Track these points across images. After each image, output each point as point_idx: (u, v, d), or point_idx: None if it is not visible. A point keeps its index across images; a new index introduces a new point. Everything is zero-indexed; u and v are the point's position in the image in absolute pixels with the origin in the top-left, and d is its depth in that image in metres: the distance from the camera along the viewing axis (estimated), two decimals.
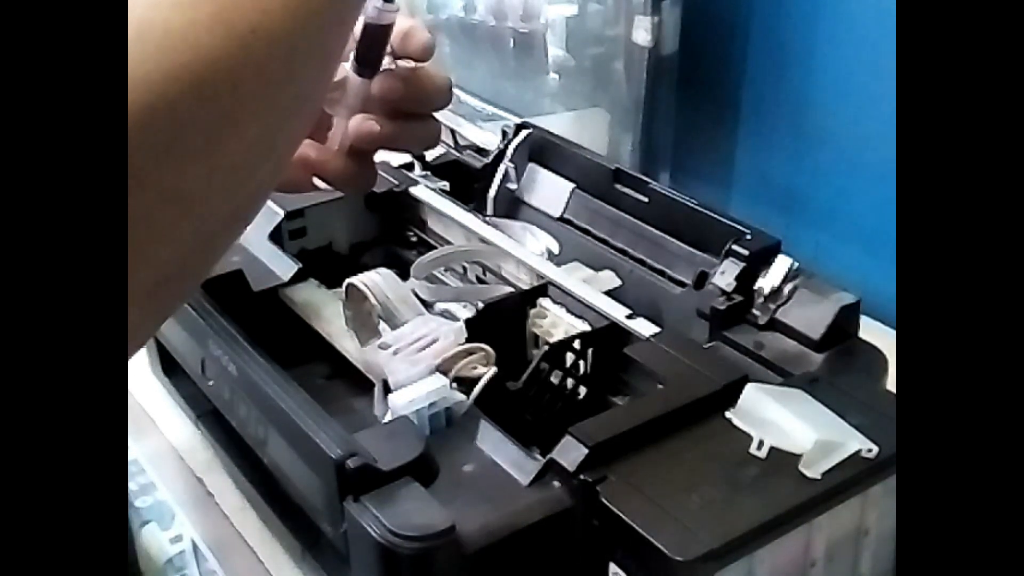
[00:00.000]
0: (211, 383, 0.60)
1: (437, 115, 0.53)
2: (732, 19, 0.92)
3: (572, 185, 0.72)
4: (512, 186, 0.75)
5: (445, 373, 0.52)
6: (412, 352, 0.54)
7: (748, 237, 0.59)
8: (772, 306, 0.57)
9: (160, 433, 0.70)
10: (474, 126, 0.85)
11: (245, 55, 0.29)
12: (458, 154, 0.79)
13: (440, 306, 0.63)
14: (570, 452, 0.46)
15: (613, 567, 0.44)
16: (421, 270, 0.64)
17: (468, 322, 0.56)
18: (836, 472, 0.45)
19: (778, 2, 0.88)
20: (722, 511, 0.43)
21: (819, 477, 0.45)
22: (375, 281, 0.60)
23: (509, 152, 0.75)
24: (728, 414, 0.49)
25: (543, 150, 0.75)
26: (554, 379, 0.57)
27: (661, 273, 0.65)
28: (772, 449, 0.46)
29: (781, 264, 0.58)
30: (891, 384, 0.56)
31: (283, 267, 0.65)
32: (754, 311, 0.58)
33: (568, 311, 0.59)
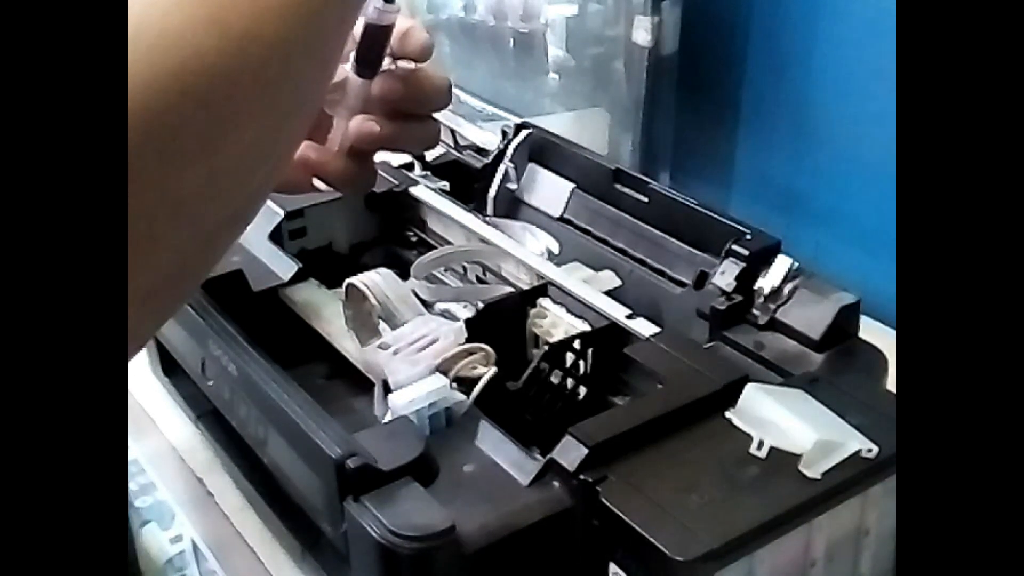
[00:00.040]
0: (211, 383, 0.60)
1: (437, 115, 0.53)
2: (732, 19, 0.92)
3: (572, 185, 0.72)
4: (512, 186, 0.75)
5: (445, 373, 0.52)
6: (412, 352, 0.54)
7: (748, 237, 0.59)
8: (772, 306, 0.57)
9: (160, 433, 0.70)
10: (474, 126, 0.85)
11: (242, 57, 0.29)
12: (458, 154, 0.79)
13: (440, 306, 0.63)
14: (570, 452, 0.46)
15: (613, 567, 0.44)
16: (421, 270, 0.64)
17: (468, 322, 0.56)
18: (836, 472, 0.45)
19: (778, 2, 0.88)
20: (722, 511, 0.43)
21: (819, 477, 0.45)
22: (375, 281, 0.60)
23: (509, 152, 0.75)
24: (728, 414, 0.49)
25: (543, 150, 0.75)
26: (554, 379, 0.57)
27: (661, 273, 0.65)
28: (772, 449, 0.46)
29: (781, 264, 0.58)
30: (891, 384, 0.56)
31: (283, 267, 0.65)
32: (754, 311, 0.58)
33: (568, 311, 0.59)
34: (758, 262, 0.58)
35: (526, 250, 0.66)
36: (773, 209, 0.91)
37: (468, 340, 0.55)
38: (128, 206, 0.26)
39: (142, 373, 0.72)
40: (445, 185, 0.75)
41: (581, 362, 0.58)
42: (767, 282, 0.57)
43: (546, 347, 0.57)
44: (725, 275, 0.59)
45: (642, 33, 0.89)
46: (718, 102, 0.95)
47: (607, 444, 0.46)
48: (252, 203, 0.34)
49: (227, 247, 0.34)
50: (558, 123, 0.94)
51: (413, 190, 0.73)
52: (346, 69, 0.49)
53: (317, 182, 0.50)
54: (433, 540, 0.42)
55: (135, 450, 0.69)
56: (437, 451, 0.48)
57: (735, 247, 0.59)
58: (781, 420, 0.47)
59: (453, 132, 0.81)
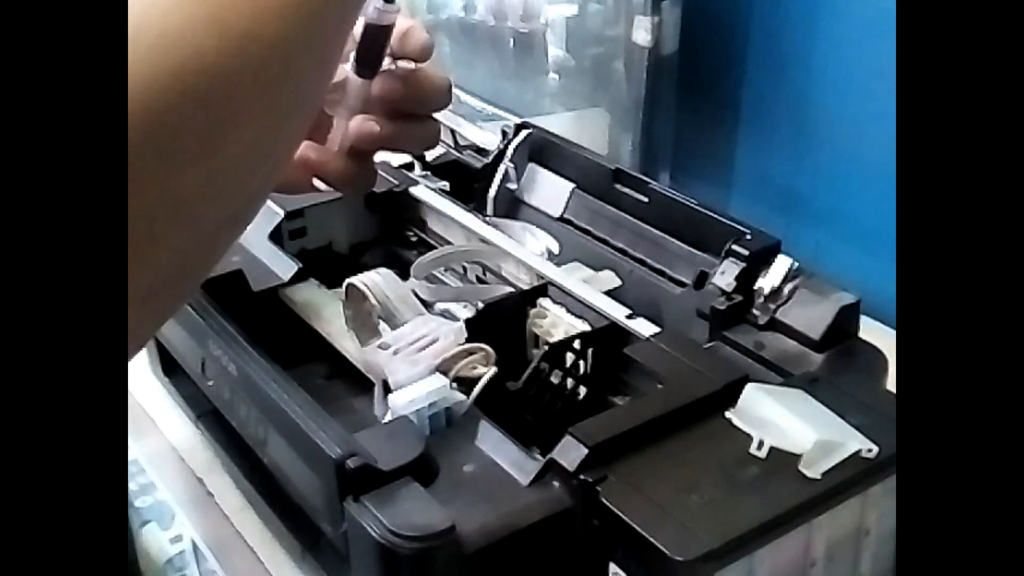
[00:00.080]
0: (211, 383, 0.60)
1: (437, 115, 0.53)
2: (732, 19, 0.92)
3: (572, 185, 0.72)
4: (512, 186, 0.75)
5: (445, 373, 0.52)
6: (412, 352, 0.54)
7: (748, 237, 0.59)
8: (772, 306, 0.57)
9: (160, 433, 0.70)
10: (474, 126, 0.85)
11: (242, 57, 0.29)
12: (458, 154, 0.79)
13: (440, 306, 0.63)
14: (570, 452, 0.46)
15: (613, 567, 0.44)
16: (421, 270, 0.64)
17: (468, 322, 0.56)
18: (836, 472, 0.45)
19: (778, 2, 0.88)
20: (722, 511, 0.43)
21: (819, 477, 0.45)
22: (375, 281, 0.60)
23: (509, 152, 0.75)
24: (728, 414, 0.49)
25: (543, 150, 0.75)
26: (554, 379, 0.57)
27: (661, 273, 0.65)
28: (772, 449, 0.46)
29: (781, 264, 0.58)
30: (891, 384, 0.56)
31: (283, 267, 0.65)
32: (754, 311, 0.58)
33: (568, 311, 0.59)
34: (758, 262, 0.58)
35: (526, 250, 0.66)
36: (773, 209, 0.91)
37: (468, 340, 0.55)
38: (128, 206, 0.26)
39: (142, 373, 0.72)
40: (445, 185, 0.75)
41: (581, 362, 0.58)
42: (767, 282, 0.57)
43: (546, 347, 0.57)
44: (725, 275, 0.59)
45: (642, 33, 0.89)
46: (718, 102, 0.95)
47: (607, 444, 0.46)
48: (252, 203, 0.34)
49: (227, 247, 0.34)
50: (558, 123, 0.94)
51: (413, 190, 0.73)
52: (346, 69, 0.49)
53: (317, 182, 0.50)
54: (433, 540, 0.42)
55: (135, 450, 0.69)
56: (437, 451, 0.48)
57: (735, 247, 0.59)
58: (781, 420, 0.47)
59: (453, 132, 0.81)
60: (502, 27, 1.04)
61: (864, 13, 0.81)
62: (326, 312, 0.64)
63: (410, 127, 0.51)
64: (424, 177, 0.76)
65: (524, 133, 0.75)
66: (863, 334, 0.57)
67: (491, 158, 0.76)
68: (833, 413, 0.48)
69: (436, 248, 0.68)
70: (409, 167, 0.77)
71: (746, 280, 0.58)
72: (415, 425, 0.49)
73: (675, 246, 0.65)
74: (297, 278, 0.65)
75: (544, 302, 0.60)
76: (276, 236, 0.68)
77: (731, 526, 0.42)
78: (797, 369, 0.54)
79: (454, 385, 0.52)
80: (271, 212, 0.68)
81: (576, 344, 0.57)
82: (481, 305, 0.59)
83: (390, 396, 0.50)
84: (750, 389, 0.49)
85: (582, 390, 0.58)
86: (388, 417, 0.50)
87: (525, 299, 0.61)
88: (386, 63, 0.49)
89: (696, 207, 0.64)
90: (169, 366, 0.69)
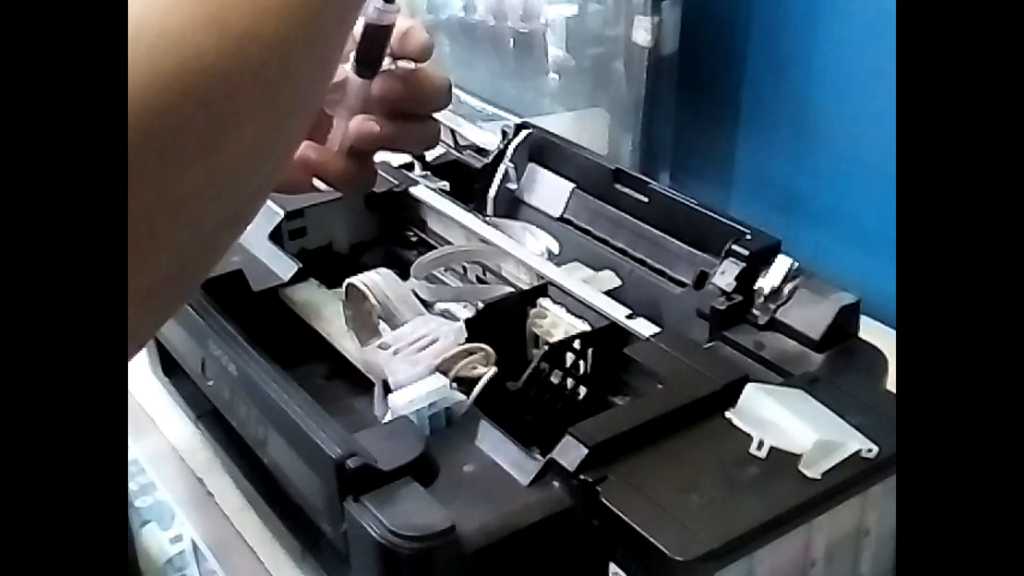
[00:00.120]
0: (211, 383, 0.60)
1: (437, 115, 0.53)
2: (732, 19, 0.92)
3: (572, 185, 0.72)
4: (512, 186, 0.75)
5: (445, 373, 0.52)
6: (412, 352, 0.54)
7: (748, 237, 0.59)
8: (772, 306, 0.57)
9: (160, 433, 0.70)
10: (474, 126, 0.85)
11: (241, 58, 0.29)
12: (458, 154, 0.79)
13: (440, 306, 0.63)
14: (570, 452, 0.46)
15: (613, 567, 0.44)
16: (421, 270, 0.64)
17: (468, 322, 0.56)
18: (836, 472, 0.45)
19: (778, 2, 0.88)
20: (722, 511, 0.43)
21: (819, 477, 0.45)
22: (375, 281, 0.60)
23: (509, 152, 0.75)
24: (728, 414, 0.49)
25: (543, 150, 0.75)
26: (554, 379, 0.57)
27: (661, 273, 0.65)
28: (772, 449, 0.46)
29: (781, 264, 0.58)
30: (891, 384, 0.56)
31: (283, 267, 0.65)
32: (754, 311, 0.58)
33: (568, 311, 0.59)
34: (758, 262, 0.58)
35: (526, 250, 0.66)
36: (773, 209, 0.91)
37: (468, 340, 0.55)
38: (128, 206, 0.26)
39: (142, 373, 0.72)
40: (445, 185, 0.75)
41: (581, 362, 0.58)
42: (767, 282, 0.57)
43: (546, 347, 0.57)
44: (725, 275, 0.59)
45: (642, 33, 0.89)
46: (718, 102, 0.95)
47: (607, 444, 0.46)
48: (252, 203, 0.34)
49: (227, 247, 0.34)
50: (558, 123, 0.94)
51: (413, 190, 0.73)
52: (346, 69, 0.49)
53: (317, 182, 0.50)
54: (433, 540, 0.42)
55: (135, 450, 0.69)
56: (437, 451, 0.48)
57: (735, 247, 0.59)
58: (781, 420, 0.47)
59: (453, 132, 0.81)
60: (502, 27, 1.04)
61: (864, 13, 0.81)
62: (326, 312, 0.64)
63: (410, 127, 0.51)
64: (424, 177, 0.76)
65: (524, 133, 0.75)
66: (863, 334, 0.57)
67: (491, 158, 0.76)
68: (833, 413, 0.48)
69: (436, 248, 0.68)
70: (409, 167, 0.77)
71: (746, 280, 0.58)
72: (415, 425, 0.49)
73: (675, 246, 0.65)
74: (297, 278, 0.65)
75: (544, 302, 0.60)
76: (276, 236, 0.68)
77: (731, 526, 0.42)
78: (797, 369, 0.54)
79: (454, 385, 0.52)
80: (271, 212, 0.68)
81: (576, 344, 0.57)
82: (481, 305, 0.59)
83: (390, 396, 0.50)
84: (750, 389, 0.49)
85: (582, 390, 0.58)
86: (388, 417, 0.50)
87: (525, 299, 0.61)
88: (386, 63, 0.49)
89: (696, 207, 0.64)
90: (169, 366, 0.69)
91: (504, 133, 0.76)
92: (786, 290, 0.57)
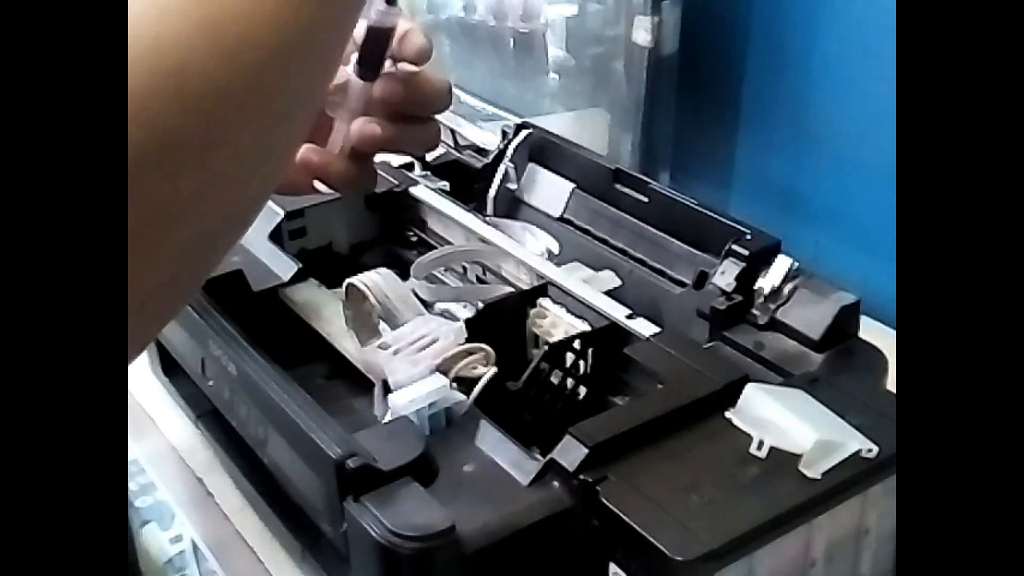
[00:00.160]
0: (211, 383, 0.60)
1: (437, 116, 0.53)
2: (732, 19, 0.92)
3: (572, 185, 0.72)
4: (512, 186, 0.75)
5: (445, 373, 0.52)
6: (412, 352, 0.54)
7: (748, 237, 0.59)
8: (772, 306, 0.57)
9: (160, 433, 0.70)
10: (474, 126, 0.85)
11: (234, 65, 0.29)
12: (458, 154, 0.79)
13: (440, 306, 0.63)
14: (570, 452, 0.46)
15: (613, 567, 0.44)
16: (421, 270, 0.64)
17: (468, 322, 0.56)
18: (836, 472, 0.45)
19: (778, 2, 0.88)
20: (722, 511, 0.43)
21: (819, 477, 0.45)
22: (375, 281, 0.60)
23: (509, 152, 0.75)
24: (728, 414, 0.49)
25: (543, 150, 0.75)
26: (554, 379, 0.57)
27: (661, 273, 0.65)
28: (772, 449, 0.46)
29: (781, 264, 0.58)
30: (891, 384, 0.56)
31: (283, 267, 0.65)
32: (754, 311, 0.58)
33: (568, 311, 0.59)
34: (758, 262, 0.58)
35: (526, 250, 0.66)
36: (773, 209, 0.91)
37: (468, 340, 0.55)
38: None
39: (142, 373, 0.72)
40: (445, 185, 0.75)
41: (581, 362, 0.58)
42: (767, 282, 0.57)
43: (546, 347, 0.57)
44: (725, 275, 0.59)
45: (642, 33, 0.89)
46: (718, 102, 0.95)
47: (607, 444, 0.46)
48: (250, 207, 0.34)
49: (227, 250, 0.34)
50: (558, 123, 0.94)
51: (413, 190, 0.73)
52: (348, 71, 0.49)
53: (317, 184, 0.50)
54: (433, 540, 0.42)
55: (135, 450, 0.69)
56: (437, 451, 0.48)
57: (735, 247, 0.59)
58: (781, 420, 0.47)
59: (453, 132, 0.81)
60: (502, 27, 1.04)
61: (864, 13, 0.81)
62: (326, 312, 0.64)
63: (411, 129, 0.51)
64: (424, 177, 0.76)
65: (524, 133, 0.75)
66: (863, 334, 0.57)
67: (491, 158, 0.76)
68: (833, 413, 0.48)
69: (436, 248, 0.68)
70: (409, 167, 0.77)
71: (746, 280, 0.58)
72: (415, 425, 0.49)
73: (675, 246, 0.65)
74: (297, 278, 0.65)
75: (544, 302, 0.60)
76: (276, 236, 0.68)
77: (731, 526, 0.42)
78: (797, 369, 0.54)
79: (454, 385, 0.52)
80: (271, 212, 0.68)
81: (576, 344, 0.57)
82: (481, 305, 0.59)
83: (390, 396, 0.50)
84: (750, 389, 0.49)
85: (582, 390, 0.58)
86: (388, 417, 0.50)
87: (525, 299, 0.61)
88: (386, 66, 0.49)
89: (696, 207, 0.64)
90: (169, 366, 0.69)
91: (504, 133, 0.76)
92: (786, 290, 0.57)
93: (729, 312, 0.58)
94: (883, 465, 0.46)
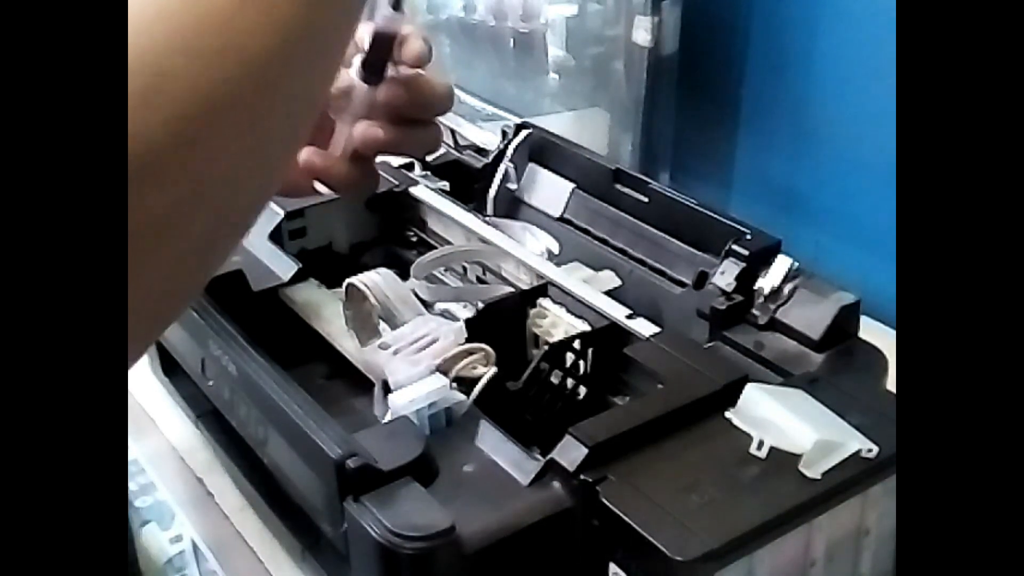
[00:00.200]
0: (211, 383, 0.60)
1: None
2: (732, 19, 0.92)
3: (572, 185, 0.72)
4: (512, 186, 0.75)
5: (445, 373, 0.52)
6: (412, 352, 0.54)
7: (748, 237, 0.59)
8: (772, 306, 0.57)
9: (160, 433, 0.70)
10: (474, 126, 0.85)
11: (215, 76, 0.28)
12: (458, 154, 0.79)
13: (440, 306, 0.63)
14: (570, 452, 0.46)
15: (613, 567, 0.44)
16: (421, 270, 0.64)
17: (468, 322, 0.56)
18: (836, 472, 0.45)
19: (778, 2, 0.88)
20: (722, 511, 0.43)
21: (819, 477, 0.45)
22: (375, 281, 0.60)
23: (509, 152, 0.75)
24: (728, 414, 0.49)
25: (543, 150, 0.75)
26: (554, 379, 0.57)
27: (661, 273, 0.65)
28: (772, 449, 0.46)
29: (781, 264, 0.58)
30: (891, 384, 0.56)
31: (283, 267, 0.65)
32: (754, 311, 0.58)
33: (568, 311, 0.59)
34: (758, 262, 0.58)
35: (526, 250, 0.66)
36: (773, 209, 0.91)
37: (468, 340, 0.55)
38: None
39: (142, 373, 0.72)
40: (445, 185, 0.75)
41: (581, 362, 0.58)
42: (767, 282, 0.57)
43: (546, 347, 0.57)
44: (725, 275, 0.59)
45: (642, 33, 0.89)
46: (718, 102, 0.95)
47: (607, 444, 0.46)
48: (245, 215, 0.33)
49: (225, 256, 0.34)
50: (558, 123, 0.94)
51: (413, 190, 0.73)
52: (351, 75, 0.49)
53: (319, 186, 0.50)
54: (433, 540, 0.42)
55: (135, 450, 0.69)
56: (437, 451, 0.48)
57: (735, 247, 0.59)
58: (781, 420, 0.47)
59: (453, 132, 0.81)
60: (502, 27, 1.04)
61: (864, 13, 0.81)
62: (326, 312, 0.64)
63: (413, 132, 0.51)
64: (424, 177, 0.76)
65: (524, 133, 0.75)
66: (863, 334, 0.57)
67: (491, 158, 0.76)
68: (833, 413, 0.48)
69: (436, 248, 0.68)
70: (409, 167, 0.77)
71: (746, 280, 0.58)
72: (415, 425, 0.49)
73: (675, 246, 0.65)
74: (297, 278, 0.65)
75: (544, 302, 0.60)
76: (276, 236, 0.68)
77: (731, 526, 0.42)
78: (797, 369, 0.54)
79: (454, 385, 0.52)
80: (271, 212, 0.68)
81: (576, 344, 0.57)
82: (481, 305, 0.59)
83: (390, 396, 0.50)
84: (750, 389, 0.49)
85: (582, 390, 0.58)
86: (388, 417, 0.50)
87: (525, 299, 0.61)
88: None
89: (696, 207, 0.64)
90: (169, 366, 0.69)
91: (504, 133, 0.76)
92: (786, 290, 0.57)
93: (729, 312, 0.58)
94: (883, 465, 0.46)
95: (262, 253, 0.65)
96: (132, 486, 0.68)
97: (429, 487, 0.46)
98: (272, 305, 0.65)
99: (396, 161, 0.76)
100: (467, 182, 0.76)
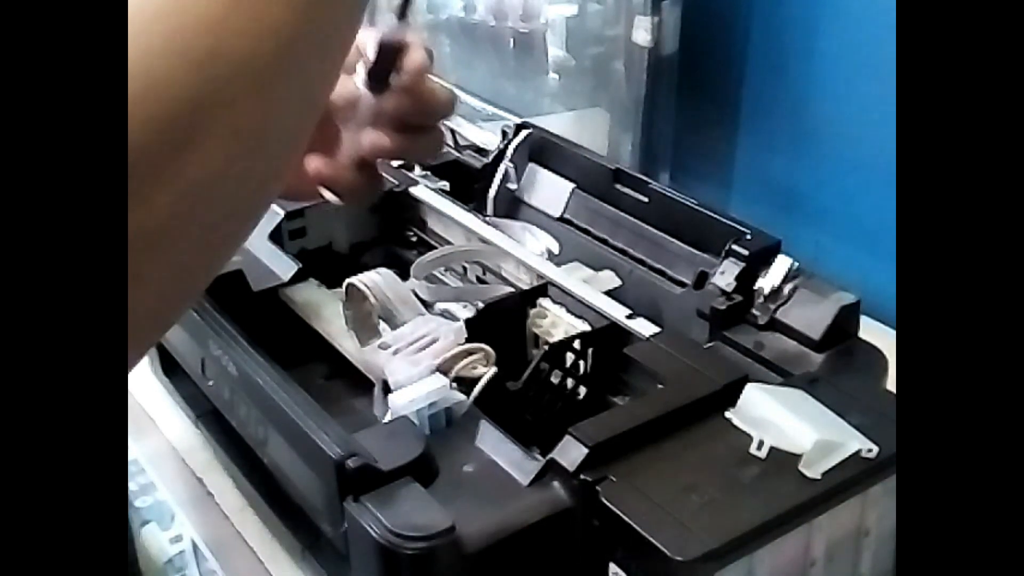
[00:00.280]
0: (211, 383, 0.60)
1: None
2: (732, 19, 0.92)
3: (572, 185, 0.72)
4: (512, 186, 0.75)
5: (445, 373, 0.52)
6: (412, 352, 0.54)
7: (748, 237, 0.59)
8: (772, 306, 0.57)
9: (160, 433, 0.70)
10: (474, 126, 0.85)
11: (206, 78, 0.28)
12: (458, 154, 0.79)
13: (440, 306, 0.63)
14: (570, 452, 0.46)
15: (613, 567, 0.44)
16: (421, 270, 0.64)
17: (468, 322, 0.56)
18: (836, 472, 0.45)
19: (778, 2, 0.88)
20: (722, 511, 0.43)
21: (819, 477, 0.45)
22: (375, 281, 0.60)
23: (509, 152, 0.75)
24: (728, 414, 0.49)
25: (543, 150, 0.75)
26: (554, 379, 0.57)
27: (661, 273, 0.65)
28: (772, 449, 0.46)
29: (781, 264, 0.58)
30: (891, 384, 0.56)
31: (283, 267, 0.65)
32: (754, 311, 0.58)
33: (568, 311, 0.59)
34: (758, 262, 0.58)
35: (526, 250, 0.66)
36: (773, 209, 0.91)
37: (468, 340, 0.55)
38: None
39: (142, 373, 0.72)
40: (445, 185, 0.75)
41: (581, 362, 0.58)
42: (767, 282, 0.57)
43: (546, 347, 0.57)
44: (725, 275, 0.59)
45: (642, 33, 0.89)
46: (718, 102, 0.95)
47: (607, 444, 0.46)
48: (244, 221, 0.33)
49: (223, 261, 0.33)
50: (558, 123, 0.94)
51: (413, 190, 0.73)
52: (356, 84, 0.49)
53: (325, 192, 0.51)
54: (433, 540, 0.42)
55: (135, 450, 0.69)
56: (437, 451, 0.48)
57: (735, 247, 0.59)
58: (781, 420, 0.47)
59: (453, 132, 0.81)
60: (502, 27, 1.04)
61: (864, 13, 0.81)
62: (326, 312, 0.64)
63: (418, 138, 0.51)
64: (424, 177, 0.76)
65: (524, 133, 0.75)
66: (863, 334, 0.57)
67: (491, 158, 0.76)
68: (833, 413, 0.48)
69: (436, 248, 0.68)
70: (409, 167, 0.77)
71: (746, 280, 0.58)
72: (415, 425, 0.49)
73: (675, 246, 0.65)
74: (297, 278, 0.65)
75: (544, 302, 0.60)
76: (276, 236, 0.68)
77: (731, 526, 0.42)
78: (797, 369, 0.54)
79: (454, 385, 0.52)
80: (271, 212, 0.68)
81: (576, 344, 0.57)
82: (481, 305, 0.59)
83: (390, 396, 0.50)
84: (750, 389, 0.49)
85: (582, 390, 0.58)
86: (388, 417, 0.50)
87: (525, 299, 0.61)
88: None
89: (696, 207, 0.64)
90: (169, 366, 0.69)
91: (504, 133, 0.76)
92: (786, 290, 0.57)
93: (729, 312, 0.58)
94: (883, 465, 0.46)
95: (262, 253, 0.65)
96: (132, 486, 0.68)
97: (429, 487, 0.46)
98: (272, 305, 0.65)
99: (396, 161, 0.76)
100: (467, 182, 0.76)
